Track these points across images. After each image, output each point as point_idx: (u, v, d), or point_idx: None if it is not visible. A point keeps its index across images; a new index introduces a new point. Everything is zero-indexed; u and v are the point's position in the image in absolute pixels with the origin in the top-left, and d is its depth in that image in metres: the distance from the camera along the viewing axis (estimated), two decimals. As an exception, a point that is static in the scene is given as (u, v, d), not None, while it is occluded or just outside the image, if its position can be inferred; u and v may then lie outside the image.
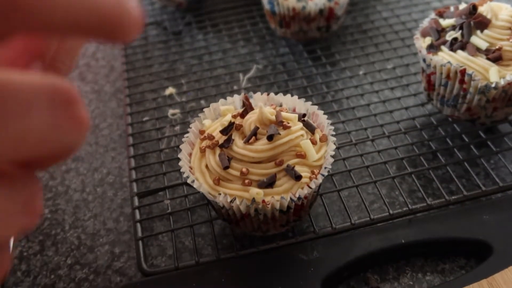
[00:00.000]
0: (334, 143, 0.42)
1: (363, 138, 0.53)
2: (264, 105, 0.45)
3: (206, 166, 0.41)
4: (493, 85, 0.46)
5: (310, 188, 0.39)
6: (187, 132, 0.44)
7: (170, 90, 0.63)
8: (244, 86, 0.63)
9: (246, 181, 0.39)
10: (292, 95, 0.45)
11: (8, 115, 0.14)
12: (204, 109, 0.46)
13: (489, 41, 0.48)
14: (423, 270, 0.44)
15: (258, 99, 0.46)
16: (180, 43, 0.72)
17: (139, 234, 0.46)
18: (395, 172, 0.50)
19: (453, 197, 0.46)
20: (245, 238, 0.46)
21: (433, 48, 0.50)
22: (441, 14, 0.53)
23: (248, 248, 0.44)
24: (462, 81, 0.48)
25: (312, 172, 0.40)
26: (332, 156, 0.40)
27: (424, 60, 0.52)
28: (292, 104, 0.45)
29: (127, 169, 0.53)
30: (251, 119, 0.40)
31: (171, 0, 0.76)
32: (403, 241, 0.43)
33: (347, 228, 0.45)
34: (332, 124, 0.44)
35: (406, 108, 0.56)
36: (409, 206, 0.46)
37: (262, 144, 0.39)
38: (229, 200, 0.38)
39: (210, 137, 0.41)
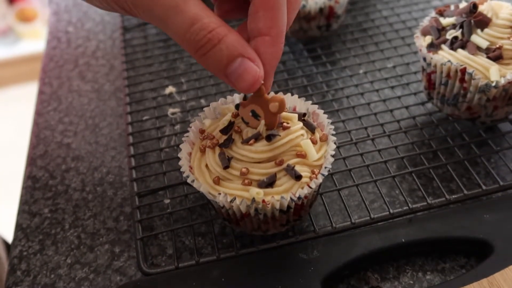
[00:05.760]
0: (335, 143, 0.41)
1: (363, 137, 0.53)
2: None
3: (206, 166, 0.41)
4: (493, 84, 0.46)
5: (310, 188, 0.39)
6: (187, 131, 0.44)
7: (170, 89, 0.63)
8: (244, 85, 0.63)
9: (246, 180, 0.38)
10: (292, 94, 0.45)
11: None
12: (204, 108, 0.45)
13: (490, 40, 0.48)
14: (424, 269, 0.44)
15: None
16: (180, 42, 0.72)
17: (140, 234, 0.46)
18: (395, 171, 0.50)
19: (453, 196, 0.46)
20: (245, 237, 0.46)
21: (433, 47, 0.50)
22: (441, 13, 0.53)
23: (248, 248, 0.44)
24: (462, 80, 0.48)
25: (312, 172, 0.40)
26: (332, 156, 0.40)
27: (424, 59, 0.51)
28: (292, 103, 0.45)
29: (127, 168, 0.53)
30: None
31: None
32: (403, 240, 0.43)
33: (347, 227, 0.45)
34: (332, 123, 0.44)
35: (406, 107, 0.56)
36: (410, 205, 0.46)
37: (262, 145, 0.39)
38: (229, 199, 0.38)
39: (210, 137, 0.41)
